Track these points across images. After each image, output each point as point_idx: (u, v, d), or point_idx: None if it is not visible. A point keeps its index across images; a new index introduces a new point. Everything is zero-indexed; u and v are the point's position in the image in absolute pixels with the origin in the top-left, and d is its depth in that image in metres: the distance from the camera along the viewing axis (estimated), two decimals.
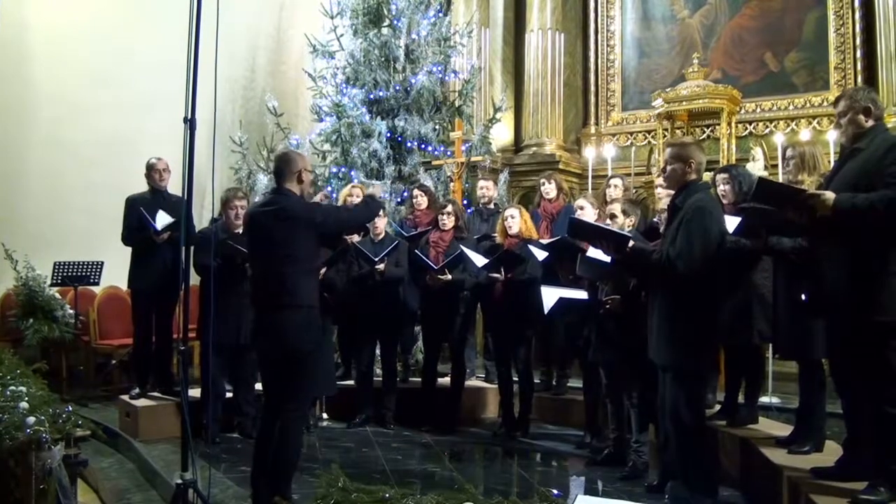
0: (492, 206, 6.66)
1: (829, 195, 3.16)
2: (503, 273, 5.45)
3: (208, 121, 4.01)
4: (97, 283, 7.17)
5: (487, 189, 6.68)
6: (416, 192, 6.67)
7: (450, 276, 5.63)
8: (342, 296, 5.67)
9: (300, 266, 3.81)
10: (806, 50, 8.49)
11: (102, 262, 7.02)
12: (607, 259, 3.98)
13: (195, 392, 5.37)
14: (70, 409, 3.53)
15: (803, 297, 3.72)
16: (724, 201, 4.67)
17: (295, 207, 3.83)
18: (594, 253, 4.11)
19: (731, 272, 4.10)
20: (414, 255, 5.83)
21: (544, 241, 5.52)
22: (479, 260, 5.49)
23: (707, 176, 4.92)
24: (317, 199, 4.07)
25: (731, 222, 4.13)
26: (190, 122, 3.52)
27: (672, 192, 3.86)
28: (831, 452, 3.87)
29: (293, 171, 3.90)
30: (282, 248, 3.78)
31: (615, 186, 5.86)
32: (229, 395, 5.58)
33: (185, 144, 3.53)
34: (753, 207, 3.61)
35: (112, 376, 7.22)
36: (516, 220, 5.58)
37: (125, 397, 5.76)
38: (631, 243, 3.74)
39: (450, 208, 5.89)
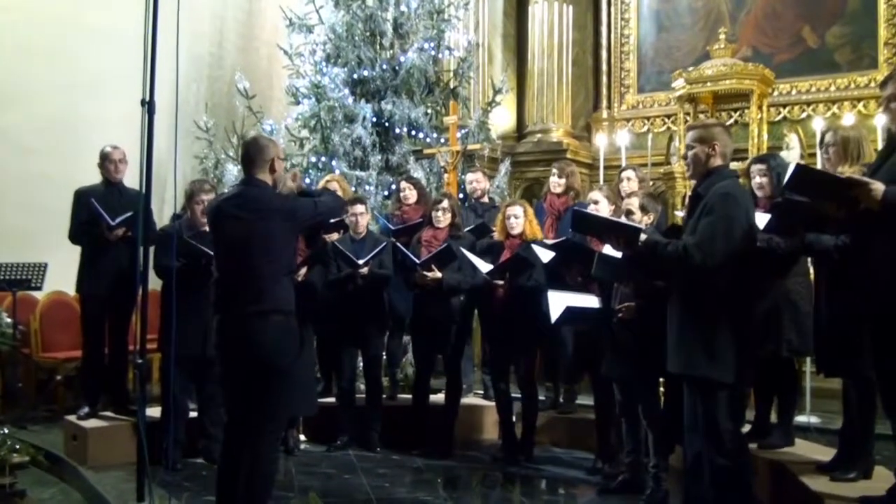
0: (486, 199, 6.66)
1: (879, 186, 3.12)
2: (507, 279, 5.46)
3: (169, 103, 4.01)
4: (39, 288, 7.13)
5: (478, 182, 6.69)
6: (404, 184, 6.67)
7: (439, 274, 5.63)
8: (320, 301, 5.66)
9: (278, 266, 3.81)
10: (851, 23, 8.53)
11: (46, 264, 6.99)
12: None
13: (154, 411, 5.35)
14: (6, 431, 3.53)
15: (849, 304, 3.70)
16: (760, 194, 4.68)
17: (272, 200, 3.83)
18: (612, 250, 4.11)
19: (762, 275, 4.10)
20: (398, 252, 5.83)
21: (549, 241, 5.53)
22: (482, 265, 5.49)
23: (737, 166, 4.94)
24: (289, 182, 4.07)
25: (762, 220, 4.13)
26: (148, 105, 3.53)
27: (696, 180, 3.86)
28: (881, 479, 3.86)
29: (265, 159, 3.90)
30: (257, 246, 3.78)
31: (628, 179, 5.87)
32: (193, 414, 5.56)
33: (142, 130, 3.54)
34: (787, 200, 3.61)
35: (56, 394, 7.19)
36: (520, 220, 5.57)
37: (72, 418, 5.73)
38: (643, 237, 3.74)
39: (445, 203, 5.89)
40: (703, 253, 3.49)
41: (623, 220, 4.17)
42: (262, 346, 3.76)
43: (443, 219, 5.86)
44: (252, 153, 3.94)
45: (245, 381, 3.82)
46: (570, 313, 4.71)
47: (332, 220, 5.82)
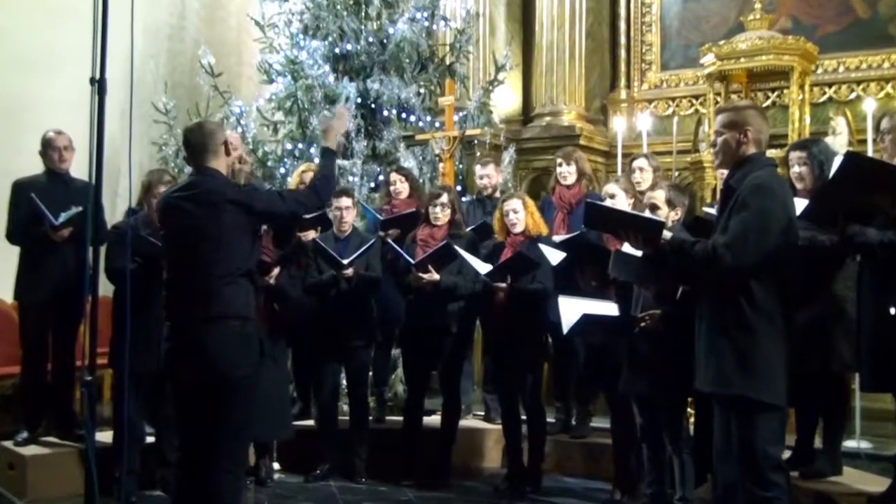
0: (497, 195, 6.67)
1: None
2: (509, 281, 5.46)
3: (123, 82, 4.00)
4: None
5: (489, 177, 6.69)
6: (394, 176, 6.67)
7: (436, 276, 5.62)
8: (297, 308, 5.66)
9: (232, 267, 3.84)
10: None
11: None
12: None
13: (104, 436, 5.34)
14: None
15: (894, 309, 3.72)
16: (800, 186, 4.68)
17: (224, 190, 3.86)
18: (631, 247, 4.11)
19: (805, 278, 4.09)
20: (389, 250, 5.84)
21: (559, 238, 5.53)
22: (481, 266, 5.49)
23: (777, 154, 4.94)
24: (245, 169, 4.11)
25: (799, 206, 4.12)
26: (98, 85, 3.51)
27: (726, 170, 3.86)
28: None
29: (217, 143, 3.95)
30: (208, 243, 3.82)
31: (641, 170, 5.87)
32: (150, 439, 5.56)
33: (92, 113, 3.52)
34: (832, 184, 3.58)
35: None
36: (520, 216, 5.58)
37: (8, 444, 5.73)
38: (666, 233, 3.74)
39: (444, 198, 5.89)
40: (735, 254, 3.49)
41: (645, 214, 4.17)
42: (212, 356, 3.79)
43: (441, 215, 5.85)
44: (199, 140, 3.99)
45: (195, 398, 3.84)
46: (587, 322, 4.71)
47: (309, 216, 5.83)
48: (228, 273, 3.84)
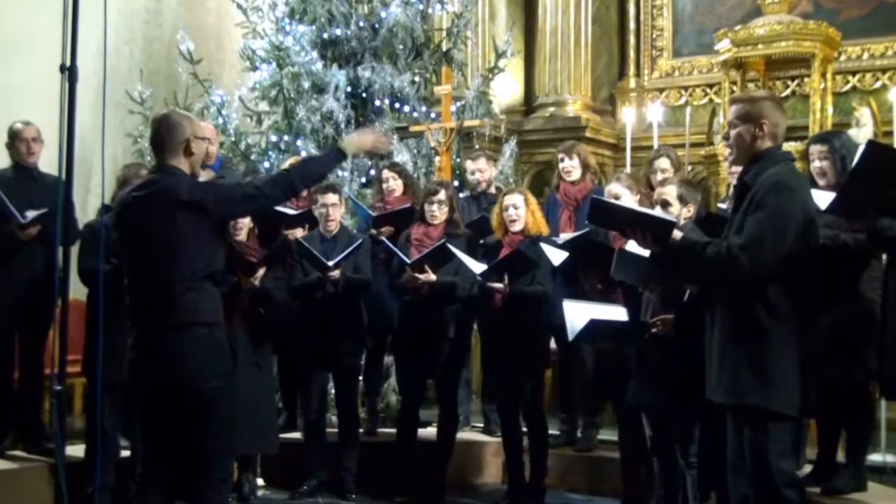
0: (492, 190, 6.67)
1: None
2: (506, 282, 5.46)
3: (96, 70, 3.99)
4: None
5: (481, 171, 6.69)
6: (386, 173, 6.65)
7: (433, 276, 5.63)
8: (283, 312, 5.66)
9: (193, 271, 3.84)
10: None
11: None
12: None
13: (76, 450, 5.33)
14: None
15: None
16: (821, 182, 4.69)
17: (178, 192, 3.85)
18: (637, 246, 4.11)
19: (827, 279, 4.10)
20: (382, 248, 5.83)
21: (565, 237, 5.52)
22: (478, 267, 5.49)
23: (793, 147, 4.95)
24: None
25: (824, 199, 4.13)
26: (69, 72, 3.52)
27: (740, 166, 3.87)
28: None
29: (178, 140, 3.93)
30: (164, 247, 3.82)
31: (662, 171, 5.87)
32: (125, 453, 5.56)
33: (62, 103, 3.53)
34: (856, 172, 3.59)
35: None
36: (521, 212, 5.58)
37: None
38: (677, 233, 3.75)
39: (441, 195, 5.88)
40: (751, 256, 3.49)
41: (655, 211, 4.16)
42: (179, 367, 3.79)
43: (438, 213, 5.85)
44: (161, 133, 3.97)
45: (164, 413, 3.85)
46: (594, 327, 4.71)
47: (294, 213, 5.83)
48: (189, 277, 3.83)
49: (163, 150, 3.96)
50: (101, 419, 4.95)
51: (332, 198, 5.87)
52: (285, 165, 6.43)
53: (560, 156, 6.33)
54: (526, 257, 5.41)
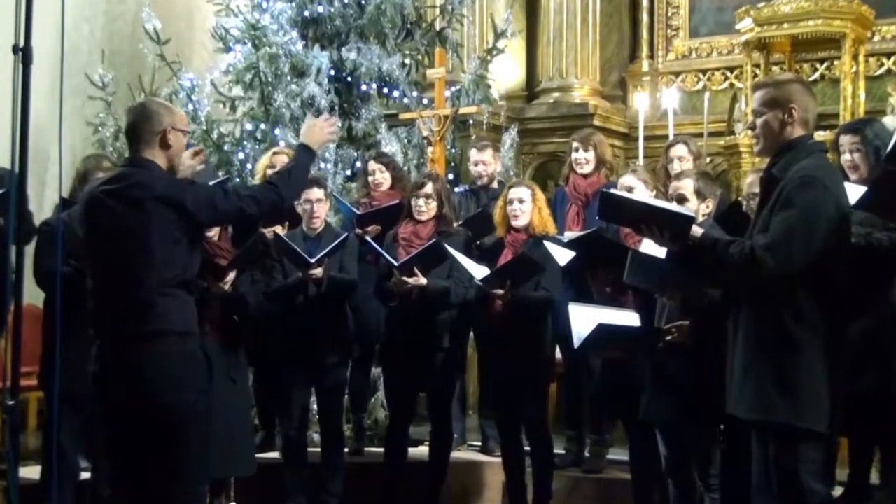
0: (495, 185, 6.67)
1: None
2: (508, 286, 5.46)
3: (52, 51, 3.99)
4: None
5: (485, 165, 6.69)
6: (372, 165, 6.66)
7: (423, 280, 5.62)
8: (259, 320, 5.66)
9: (166, 275, 3.85)
10: None
11: None
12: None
13: (31, 471, 5.32)
14: None
15: None
16: (853, 175, 4.70)
17: (156, 185, 3.86)
18: (652, 247, 4.11)
19: (859, 282, 4.11)
20: (368, 249, 5.83)
21: (570, 235, 5.52)
22: (476, 269, 5.49)
23: (823, 136, 4.95)
24: (186, 161, 4.11)
25: (855, 193, 4.13)
26: (23, 54, 3.51)
27: (767, 157, 3.87)
28: None
29: (154, 131, 3.94)
30: (136, 247, 3.83)
31: (680, 159, 5.87)
32: (86, 474, 5.55)
33: (15, 88, 3.52)
34: (889, 160, 3.59)
35: None
36: (526, 206, 5.59)
37: None
38: (696, 229, 3.75)
39: (428, 187, 5.88)
40: (777, 257, 3.50)
41: (671, 205, 4.14)
42: (149, 380, 3.79)
43: (426, 209, 5.84)
44: (136, 124, 3.99)
45: (132, 431, 3.84)
46: (602, 334, 4.70)
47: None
48: (163, 282, 3.84)
49: (137, 142, 3.97)
50: (59, 437, 4.94)
51: (316, 193, 5.84)
52: (268, 155, 6.45)
53: (574, 144, 6.32)
54: (532, 262, 5.41)
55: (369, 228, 6.16)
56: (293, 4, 8.12)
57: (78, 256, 5.04)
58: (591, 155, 6.20)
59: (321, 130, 4.51)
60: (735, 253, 3.60)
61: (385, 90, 8.16)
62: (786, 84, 3.80)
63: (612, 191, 4.57)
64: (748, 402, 3.67)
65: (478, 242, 6.02)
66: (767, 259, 3.51)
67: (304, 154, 4.40)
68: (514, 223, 5.60)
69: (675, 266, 4.02)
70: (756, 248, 3.54)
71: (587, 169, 6.19)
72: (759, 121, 3.77)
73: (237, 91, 8.32)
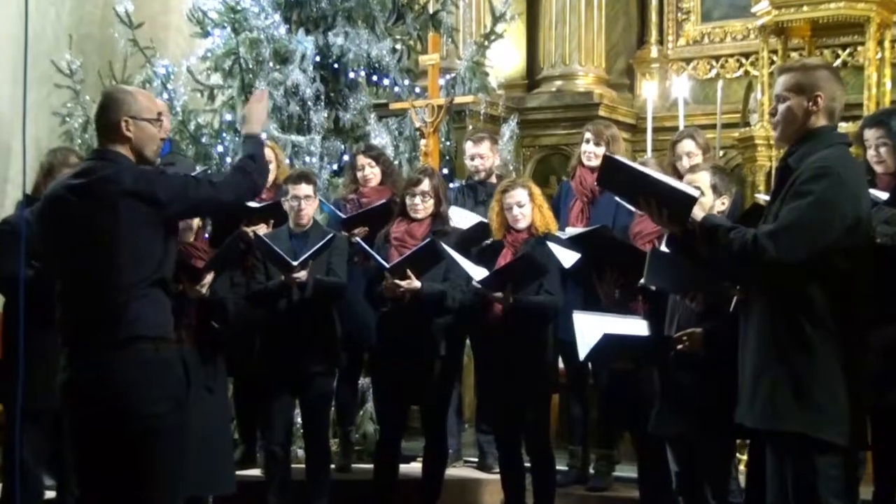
0: (493, 180, 6.68)
1: None
2: (508, 290, 5.46)
3: (16, 36, 3.99)
4: None
5: (482, 158, 6.68)
6: (360, 160, 6.66)
7: (417, 283, 5.62)
8: (240, 325, 5.65)
9: (139, 276, 3.84)
10: None
11: None
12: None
13: None
14: None
15: None
16: (880, 170, 4.70)
17: (123, 179, 3.85)
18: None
19: (883, 286, 4.11)
20: (356, 251, 5.84)
21: (570, 232, 5.51)
22: (474, 270, 5.49)
23: (845, 127, 4.94)
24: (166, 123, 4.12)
25: (879, 197, 4.15)
26: None
27: (786, 145, 3.86)
28: None
29: (110, 122, 3.96)
30: (104, 247, 3.82)
31: (688, 155, 5.87)
32: (51, 493, 5.54)
33: None
34: None
35: None
36: (526, 210, 5.60)
37: None
38: (697, 211, 3.74)
39: (425, 184, 5.87)
40: (779, 245, 3.49)
41: (676, 182, 4.11)
42: (121, 390, 3.78)
43: (422, 207, 5.84)
44: (97, 114, 4.03)
45: (102, 444, 3.83)
46: (608, 343, 4.71)
47: (258, 206, 5.82)
48: (135, 283, 3.83)
49: (100, 134, 4.00)
50: (21, 453, 4.95)
51: (305, 188, 5.83)
52: None
53: (586, 136, 6.33)
54: (535, 263, 5.42)
55: (356, 231, 6.15)
56: None
57: (41, 257, 5.06)
58: (602, 150, 6.16)
59: (256, 111, 4.44)
60: (735, 239, 3.60)
61: (374, 78, 8.16)
62: (814, 70, 3.80)
63: (616, 156, 4.56)
64: (758, 410, 3.67)
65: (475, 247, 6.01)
66: (769, 246, 3.50)
67: (254, 144, 4.34)
68: (516, 227, 5.61)
69: (673, 252, 4.02)
70: (759, 236, 3.54)
71: (596, 163, 6.17)
72: (781, 106, 3.76)
73: (216, 79, 8.30)
